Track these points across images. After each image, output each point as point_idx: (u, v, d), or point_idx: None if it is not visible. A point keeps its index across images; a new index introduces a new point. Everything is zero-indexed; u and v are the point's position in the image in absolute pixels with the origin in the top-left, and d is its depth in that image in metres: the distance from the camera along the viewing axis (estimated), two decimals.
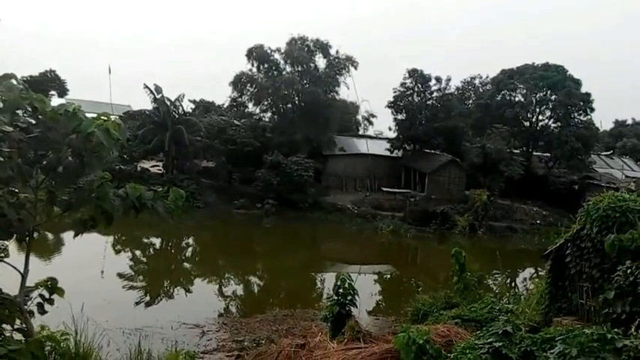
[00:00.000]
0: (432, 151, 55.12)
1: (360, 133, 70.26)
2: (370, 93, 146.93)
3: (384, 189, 53.90)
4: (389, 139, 58.52)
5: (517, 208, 52.09)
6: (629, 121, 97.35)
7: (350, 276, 12.60)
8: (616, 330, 7.75)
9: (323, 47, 56.87)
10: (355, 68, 57.44)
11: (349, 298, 12.07)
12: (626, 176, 60.53)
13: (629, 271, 10.15)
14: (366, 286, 26.61)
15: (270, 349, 11.60)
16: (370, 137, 64.83)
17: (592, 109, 57.23)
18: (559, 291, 14.09)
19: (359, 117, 77.35)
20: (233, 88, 56.22)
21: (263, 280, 29.35)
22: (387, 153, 56.68)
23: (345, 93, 60.60)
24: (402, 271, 33.95)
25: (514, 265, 35.63)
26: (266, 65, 55.98)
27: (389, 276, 33.14)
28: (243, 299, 23.87)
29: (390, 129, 59.60)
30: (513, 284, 29.73)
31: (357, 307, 12.26)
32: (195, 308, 19.91)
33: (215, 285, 26.35)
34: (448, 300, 17.67)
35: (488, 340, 8.61)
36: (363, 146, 58.57)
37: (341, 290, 12.05)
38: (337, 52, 57.46)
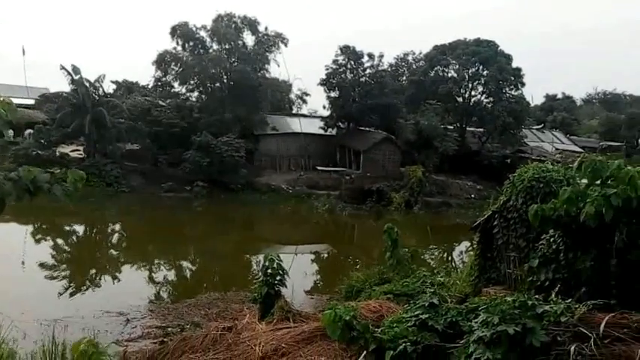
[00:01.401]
0: (367, 129, 55.54)
1: (294, 112, 70.08)
2: (304, 71, 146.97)
3: (319, 168, 54.17)
4: (322, 118, 58.65)
5: (452, 183, 53.48)
6: (560, 96, 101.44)
7: (279, 256, 12.59)
8: (537, 296, 8.03)
9: (251, 24, 56.17)
10: (285, 45, 57.19)
11: (278, 278, 12.04)
12: (557, 149, 62.90)
13: (552, 239, 10.52)
14: (303, 265, 26.81)
15: (195, 333, 11.45)
16: (304, 116, 64.76)
17: (523, 84, 59.35)
18: (488, 262, 14.55)
19: (292, 95, 77.17)
20: (157, 67, 55.12)
21: (196, 264, 28.98)
22: (321, 131, 56.83)
23: (277, 71, 60.48)
24: (340, 249, 34.32)
25: (450, 239, 36.56)
26: (191, 43, 54.91)
27: (326, 255, 33.45)
28: (176, 285, 23.55)
29: (324, 107, 59.68)
30: (450, 258, 30.46)
31: (286, 286, 12.24)
32: (124, 296, 19.34)
33: (145, 271, 25.78)
34: (382, 276, 17.97)
35: (415, 313, 8.78)
36: (296, 125, 58.44)
37: (269, 270, 12.00)
38: (266, 28, 56.99)
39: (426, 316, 8.52)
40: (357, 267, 25.03)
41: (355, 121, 56.09)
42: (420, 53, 69.85)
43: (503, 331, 6.94)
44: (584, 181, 9.20)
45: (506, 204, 12.85)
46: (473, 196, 51.72)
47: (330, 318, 8.35)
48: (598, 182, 8.67)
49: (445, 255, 31.87)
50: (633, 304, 8.49)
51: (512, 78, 58.50)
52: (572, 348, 6.81)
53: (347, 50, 55.46)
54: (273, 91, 61.81)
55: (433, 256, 30.57)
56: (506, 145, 59.38)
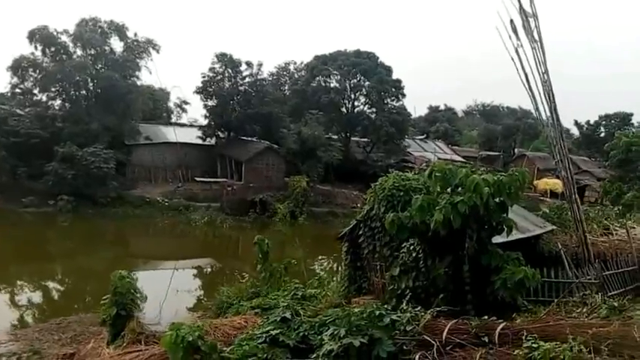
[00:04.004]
0: (248, 139, 55.35)
1: (174, 121, 68.60)
2: (185, 79, 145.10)
3: (198, 179, 53.17)
4: (201, 127, 57.85)
5: (338, 192, 54.46)
6: (442, 107, 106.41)
7: (130, 274, 12.12)
8: (385, 306, 8.19)
9: (119, 29, 54.34)
10: (158, 52, 55.78)
11: (129, 298, 11.55)
12: (439, 159, 65.58)
13: (412, 247, 10.84)
14: (184, 282, 26.59)
15: None
16: (181, 125, 63.54)
17: (403, 95, 62.35)
18: (358, 271, 14.83)
19: (170, 104, 75.66)
20: (12, 73, 51.84)
21: (65, 284, 28.04)
22: (200, 141, 55.95)
23: (152, 79, 58.49)
24: (224, 263, 34.16)
25: (339, 248, 36.81)
26: (52, 48, 52.14)
27: (209, 269, 33.21)
28: (42, 307, 22.68)
29: (205, 117, 58.66)
30: (340, 268, 30.70)
31: (138, 306, 11.78)
32: None
33: (6, 294, 24.55)
34: (252, 290, 17.90)
35: (267, 329, 8.68)
36: (172, 134, 57.05)
37: (119, 289, 11.49)
38: (135, 34, 55.32)
39: (277, 331, 8.43)
40: (244, 280, 24.90)
41: (235, 130, 55.80)
42: (302, 63, 71.06)
43: (349, 344, 6.98)
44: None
45: (370, 213, 13.14)
46: (359, 205, 52.64)
47: (170, 340, 7.99)
48: (448, 190, 9.04)
49: (335, 265, 32.17)
50: (486, 308, 8.89)
51: (393, 89, 61.16)
52: (417, 357, 6.99)
53: (224, 58, 55.11)
54: (145, 100, 60.32)
55: (322, 267, 30.78)
56: (391, 155, 61.38)
